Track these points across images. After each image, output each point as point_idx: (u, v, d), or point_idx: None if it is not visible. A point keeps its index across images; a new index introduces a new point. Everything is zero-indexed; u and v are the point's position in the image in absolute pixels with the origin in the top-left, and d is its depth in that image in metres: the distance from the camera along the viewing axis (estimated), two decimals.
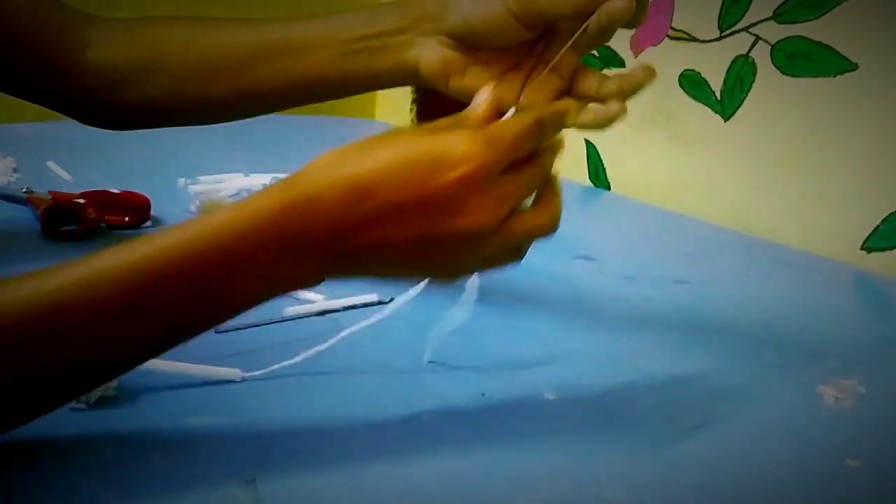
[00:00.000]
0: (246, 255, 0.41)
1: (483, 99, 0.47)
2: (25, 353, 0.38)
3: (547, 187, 0.47)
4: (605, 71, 0.57)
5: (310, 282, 0.44)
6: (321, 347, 0.52)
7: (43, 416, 0.41)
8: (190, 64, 0.63)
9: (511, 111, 0.47)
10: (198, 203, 0.79)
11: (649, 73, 0.55)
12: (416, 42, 0.57)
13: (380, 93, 1.49)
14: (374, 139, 0.43)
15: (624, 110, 0.55)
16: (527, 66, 0.56)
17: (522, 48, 0.56)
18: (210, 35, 0.63)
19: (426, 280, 0.47)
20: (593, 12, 0.51)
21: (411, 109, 1.42)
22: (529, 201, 0.46)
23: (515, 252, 0.46)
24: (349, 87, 0.61)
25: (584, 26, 0.51)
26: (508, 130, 0.44)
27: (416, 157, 0.42)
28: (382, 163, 0.42)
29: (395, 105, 1.46)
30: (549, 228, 0.46)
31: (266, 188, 0.42)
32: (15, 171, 0.88)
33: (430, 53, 0.57)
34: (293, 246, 0.42)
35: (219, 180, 0.91)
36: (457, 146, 0.42)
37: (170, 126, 0.71)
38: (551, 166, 0.47)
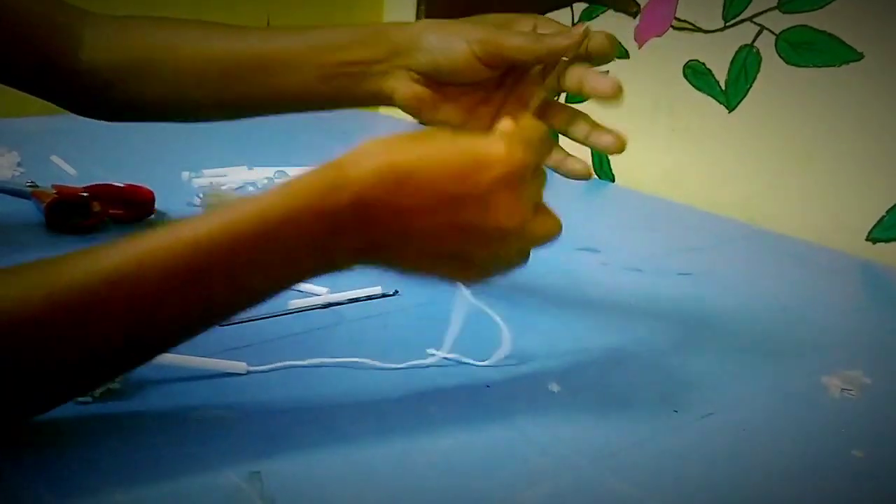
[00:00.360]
0: (289, 237, 0.42)
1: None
2: (80, 331, 0.40)
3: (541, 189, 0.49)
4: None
5: (342, 266, 0.45)
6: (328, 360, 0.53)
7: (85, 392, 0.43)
8: (177, 69, 0.64)
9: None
10: (202, 196, 0.79)
11: (619, 143, 0.59)
12: (391, 74, 0.59)
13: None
14: (419, 133, 0.45)
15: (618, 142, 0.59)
16: (496, 100, 0.59)
17: (491, 83, 0.59)
18: (197, 41, 0.64)
19: (447, 278, 0.48)
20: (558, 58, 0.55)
21: None
22: None
23: (525, 254, 0.48)
24: (328, 106, 0.64)
25: (554, 72, 0.55)
26: (539, 134, 0.47)
27: (458, 152, 0.44)
28: (425, 154, 0.44)
29: None
30: (558, 231, 0.49)
31: (311, 171, 0.44)
32: (19, 165, 0.89)
33: (403, 87, 0.59)
34: (333, 227, 0.43)
35: (222, 173, 0.92)
36: (497, 146, 0.44)
37: (167, 122, 0.72)
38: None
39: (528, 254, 0.49)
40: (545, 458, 0.46)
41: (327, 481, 0.42)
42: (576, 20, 1.13)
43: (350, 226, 0.43)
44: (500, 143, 0.44)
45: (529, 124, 0.47)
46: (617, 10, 1.09)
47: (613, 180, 1.12)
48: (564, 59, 0.55)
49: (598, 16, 1.11)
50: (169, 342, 0.43)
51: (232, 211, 0.42)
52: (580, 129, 0.58)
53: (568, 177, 0.58)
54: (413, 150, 0.44)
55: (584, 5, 1.12)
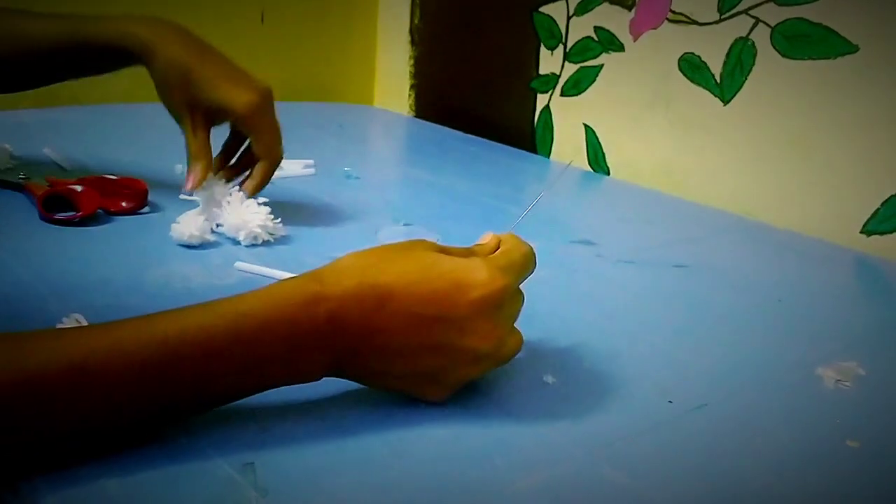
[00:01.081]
0: (262, 347, 0.43)
1: (488, 240, 0.52)
2: (39, 411, 0.39)
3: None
4: None
5: (317, 375, 0.46)
6: None
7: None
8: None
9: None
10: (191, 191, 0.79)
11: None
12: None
13: (378, 79, 1.49)
14: (399, 249, 0.47)
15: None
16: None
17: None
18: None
19: (413, 394, 0.49)
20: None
21: (409, 95, 1.42)
22: None
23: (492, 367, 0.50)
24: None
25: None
26: (516, 259, 0.49)
27: (439, 275, 0.46)
28: (406, 275, 0.45)
29: (393, 92, 1.46)
30: (520, 346, 0.50)
31: (291, 281, 0.45)
32: (12, 157, 0.88)
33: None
34: (310, 341, 0.44)
35: None
36: (478, 271, 0.46)
37: None
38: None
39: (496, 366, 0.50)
40: (540, 449, 0.46)
41: (321, 471, 0.42)
42: (571, 13, 1.13)
43: (325, 341, 0.44)
44: (481, 268, 0.46)
45: (512, 246, 0.50)
46: (612, 2, 1.08)
47: (609, 173, 1.12)
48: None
49: (593, 8, 1.11)
50: (132, 429, 0.42)
51: (206, 312, 0.42)
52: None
53: None
54: (394, 270, 0.45)
55: None
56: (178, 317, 0.42)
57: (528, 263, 0.50)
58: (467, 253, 0.50)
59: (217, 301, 0.43)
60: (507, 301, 0.47)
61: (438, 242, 0.49)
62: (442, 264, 0.46)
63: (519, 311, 0.50)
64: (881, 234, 0.87)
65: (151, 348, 0.40)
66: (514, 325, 0.49)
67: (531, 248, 0.51)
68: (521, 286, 0.50)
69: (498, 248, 0.51)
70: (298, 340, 0.43)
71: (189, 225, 0.70)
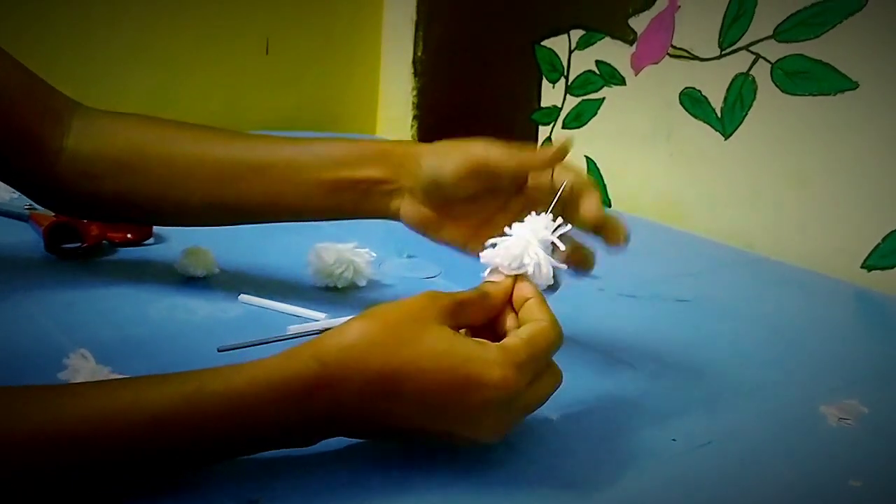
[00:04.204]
0: (258, 427, 0.42)
1: (501, 280, 0.49)
2: (24, 477, 0.38)
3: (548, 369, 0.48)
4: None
5: (314, 443, 0.45)
6: None
7: None
8: (170, 168, 0.63)
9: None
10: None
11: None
12: (396, 194, 0.60)
13: (381, 110, 1.50)
14: (410, 324, 0.44)
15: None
16: (498, 222, 0.56)
17: (492, 204, 0.59)
18: (197, 142, 0.63)
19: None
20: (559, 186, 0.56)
21: (412, 126, 1.43)
22: None
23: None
24: (325, 217, 0.64)
25: (557, 195, 0.54)
26: (537, 354, 0.45)
27: (451, 367, 0.43)
28: (416, 363, 0.43)
29: (395, 123, 1.46)
30: (550, 394, 0.48)
31: (291, 359, 0.42)
32: None
33: (408, 208, 0.60)
34: (309, 420, 0.43)
35: None
36: (492, 369, 0.43)
37: (133, 223, 0.72)
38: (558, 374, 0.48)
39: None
40: (544, 487, 0.46)
41: None
42: (573, 47, 1.14)
43: (324, 422, 0.43)
44: (496, 365, 0.43)
45: (538, 332, 0.46)
46: (614, 37, 1.10)
47: (610, 205, 1.12)
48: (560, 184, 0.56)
49: (595, 43, 1.12)
50: (118, 489, 0.42)
51: (198, 388, 0.41)
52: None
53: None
54: (403, 355, 0.42)
55: (581, 32, 1.13)
56: (168, 389, 0.41)
57: (553, 349, 0.47)
58: (481, 302, 0.48)
59: (209, 373, 0.42)
60: (518, 394, 0.44)
61: (445, 291, 0.47)
62: (455, 354, 0.43)
63: (546, 395, 0.47)
64: (882, 269, 0.87)
65: (139, 422, 0.40)
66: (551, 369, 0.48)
67: (559, 335, 0.47)
68: (556, 366, 0.48)
69: (512, 289, 0.49)
70: (296, 423, 0.43)
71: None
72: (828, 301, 0.81)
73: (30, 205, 0.81)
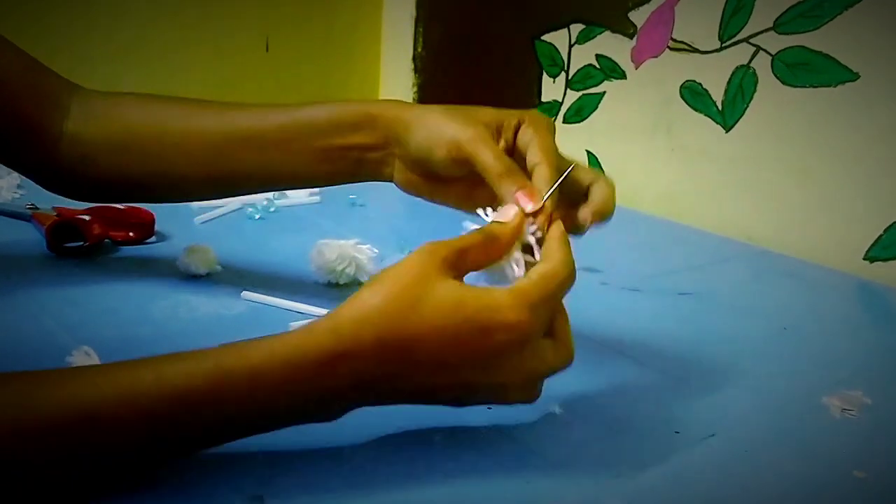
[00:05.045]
0: (278, 402, 0.42)
1: (511, 216, 0.49)
2: (47, 459, 0.39)
3: (558, 314, 0.48)
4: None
5: (335, 416, 0.45)
6: None
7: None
8: (165, 145, 0.63)
9: (533, 229, 0.49)
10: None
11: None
12: (387, 161, 0.60)
13: (383, 95, 1.49)
14: (418, 285, 0.43)
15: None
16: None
17: None
18: (188, 118, 0.64)
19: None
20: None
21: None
22: None
23: (530, 393, 0.48)
24: (324, 183, 0.64)
25: (560, 178, 0.52)
26: (548, 292, 0.46)
27: (464, 318, 0.43)
28: (429, 323, 0.43)
29: None
30: (566, 363, 0.48)
31: (306, 334, 0.43)
32: (19, 187, 0.89)
33: (399, 174, 0.59)
34: (327, 394, 0.43)
35: None
36: (503, 313, 0.43)
37: (135, 202, 0.72)
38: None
39: (538, 390, 0.48)
40: (547, 479, 0.46)
41: None
42: (573, 42, 1.14)
43: (343, 394, 0.43)
44: (509, 308, 0.43)
45: (551, 270, 0.46)
46: (614, 30, 1.09)
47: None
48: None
49: (595, 37, 1.12)
50: (143, 471, 0.42)
51: (218, 366, 0.41)
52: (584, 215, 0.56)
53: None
54: (416, 318, 0.43)
55: (581, 26, 1.13)
56: (188, 367, 0.41)
57: (566, 286, 0.47)
58: (485, 245, 0.47)
59: (227, 349, 0.42)
60: (534, 336, 0.45)
61: (450, 240, 0.46)
62: (466, 306, 0.43)
63: (560, 323, 0.48)
64: (884, 260, 0.87)
65: (161, 401, 0.40)
66: (563, 333, 0.48)
67: (571, 270, 0.47)
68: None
69: (520, 227, 0.48)
70: (316, 397, 0.43)
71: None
72: (830, 293, 0.81)
73: (32, 204, 0.81)
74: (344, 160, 0.60)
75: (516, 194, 0.50)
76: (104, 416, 0.39)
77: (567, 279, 0.47)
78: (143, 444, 0.41)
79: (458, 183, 0.58)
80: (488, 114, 0.56)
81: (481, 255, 0.47)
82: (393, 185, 0.61)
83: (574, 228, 0.55)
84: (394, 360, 0.43)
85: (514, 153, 0.55)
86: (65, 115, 0.64)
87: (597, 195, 0.56)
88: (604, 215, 0.56)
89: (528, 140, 0.54)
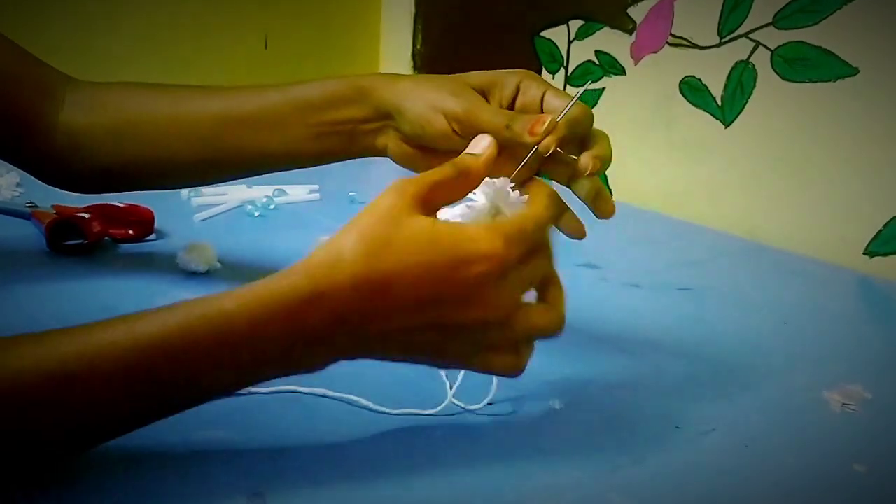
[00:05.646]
0: (253, 349, 0.42)
1: (484, 147, 0.48)
2: (25, 418, 0.39)
3: (551, 283, 0.48)
4: None
5: (318, 367, 0.44)
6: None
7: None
8: (157, 130, 0.63)
9: (506, 182, 0.48)
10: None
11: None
12: (381, 132, 0.59)
13: None
14: (390, 223, 0.43)
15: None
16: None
17: None
18: (179, 102, 0.63)
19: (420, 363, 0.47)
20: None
21: None
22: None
23: (515, 353, 0.47)
24: (318, 162, 0.63)
25: (566, 109, 0.52)
26: (524, 226, 0.45)
27: (439, 253, 0.43)
28: (404, 259, 0.42)
29: None
30: (556, 327, 0.47)
31: (280, 280, 0.42)
32: (18, 185, 0.89)
33: (394, 146, 0.59)
34: (306, 338, 0.42)
35: (222, 192, 0.92)
36: (478, 244, 0.43)
37: (133, 190, 0.71)
38: (552, 258, 0.48)
39: (522, 355, 0.47)
40: (547, 474, 0.46)
41: (331, 502, 0.42)
42: (572, 38, 1.14)
43: (322, 337, 0.43)
44: (482, 239, 0.43)
45: (517, 218, 0.46)
46: (613, 26, 1.09)
47: (611, 195, 1.12)
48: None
49: (594, 33, 1.12)
50: (123, 431, 0.42)
51: (190, 313, 0.41)
52: (559, 173, 0.56)
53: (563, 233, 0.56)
54: (390, 256, 0.42)
55: (580, 22, 1.13)
56: (161, 318, 0.41)
57: (541, 227, 0.47)
58: (457, 179, 0.46)
59: (199, 300, 0.42)
60: (512, 270, 0.44)
61: (419, 177, 0.46)
62: (440, 240, 0.43)
63: (541, 273, 0.47)
64: (884, 255, 0.87)
65: (135, 352, 0.40)
66: (554, 301, 0.48)
67: (547, 208, 0.47)
68: (547, 239, 0.47)
69: (493, 154, 0.48)
70: (292, 342, 0.42)
71: None
72: (830, 288, 0.81)
73: (31, 202, 0.81)
74: (337, 135, 0.60)
75: (475, 141, 0.49)
76: (80, 371, 0.39)
77: (544, 213, 0.47)
78: (122, 399, 0.40)
79: (452, 155, 0.56)
80: (478, 77, 0.57)
81: (453, 189, 0.47)
82: (391, 178, 0.60)
83: (575, 175, 0.54)
84: (369, 299, 0.42)
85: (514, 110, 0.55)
86: (59, 106, 0.64)
87: (595, 142, 0.55)
88: (605, 160, 0.55)
89: (534, 95, 0.54)
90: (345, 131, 0.59)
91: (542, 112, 0.54)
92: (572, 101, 0.52)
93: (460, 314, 0.44)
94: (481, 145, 0.49)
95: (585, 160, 0.53)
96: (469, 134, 0.53)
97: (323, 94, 0.60)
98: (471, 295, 0.43)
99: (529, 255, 0.45)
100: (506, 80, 0.56)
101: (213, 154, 0.62)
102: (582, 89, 0.54)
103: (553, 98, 0.54)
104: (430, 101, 0.55)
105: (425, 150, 0.58)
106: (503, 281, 0.44)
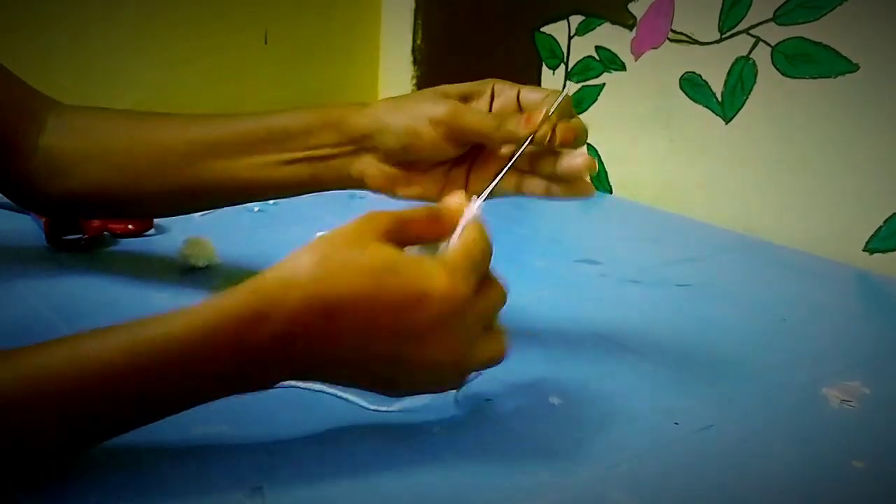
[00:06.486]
0: (197, 369, 0.41)
1: (457, 202, 0.48)
2: None
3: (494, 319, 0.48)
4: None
5: (266, 385, 0.44)
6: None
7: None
8: (130, 157, 0.63)
9: (478, 202, 0.48)
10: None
11: (590, 161, 0.55)
12: (357, 158, 0.59)
13: (382, 87, 1.49)
14: (350, 247, 0.43)
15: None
16: (466, 164, 0.58)
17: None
18: (155, 129, 0.63)
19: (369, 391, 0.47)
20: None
21: None
22: None
23: (461, 377, 0.47)
24: (293, 191, 0.62)
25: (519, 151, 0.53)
26: (473, 261, 0.45)
27: (397, 286, 0.42)
28: (359, 285, 0.42)
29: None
30: (500, 359, 0.47)
31: (229, 296, 0.41)
32: None
33: (372, 170, 0.58)
34: (254, 357, 0.42)
35: None
36: (437, 279, 0.42)
37: (105, 217, 0.71)
38: (503, 286, 0.47)
39: (466, 376, 0.47)
40: (546, 471, 0.46)
41: (329, 497, 0.42)
42: (572, 34, 1.14)
43: (270, 359, 0.42)
44: (441, 275, 0.43)
45: (472, 240, 0.46)
46: (613, 22, 1.09)
47: (611, 191, 1.12)
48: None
49: (594, 28, 1.11)
50: (66, 454, 0.41)
51: (136, 335, 0.40)
52: (547, 164, 0.56)
53: (569, 192, 0.56)
54: (345, 279, 0.42)
55: (580, 18, 1.13)
56: (104, 341, 0.40)
57: (488, 258, 0.46)
58: (429, 222, 0.46)
59: (148, 320, 0.41)
60: (468, 309, 0.44)
61: (394, 210, 0.46)
62: (398, 271, 0.42)
63: (496, 308, 0.47)
64: (884, 251, 0.87)
65: (74, 378, 0.39)
66: (498, 325, 0.47)
67: (489, 243, 0.46)
68: (499, 280, 0.47)
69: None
70: (239, 361, 0.41)
71: None
72: (829, 284, 0.81)
73: None
74: (309, 161, 0.59)
75: (451, 196, 0.49)
76: (17, 394, 0.38)
77: (488, 247, 0.46)
78: (62, 423, 0.39)
79: (434, 170, 0.58)
80: (454, 88, 0.57)
81: (423, 230, 0.47)
82: (353, 188, 0.60)
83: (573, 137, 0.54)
84: (321, 322, 0.41)
85: None
86: (41, 129, 0.64)
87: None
88: (580, 129, 0.54)
89: (509, 94, 0.56)
90: (317, 157, 0.59)
91: (520, 109, 0.56)
92: (562, 94, 0.53)
93: (416, 352, 0.43)
94: (454, 201, 0.48)
95: (564, 131, 0.53)
96: (457, 138, 0.54)
97: (295, 121, 0.60)
98: (428, 334, 0.43)
99: (482, 286, 0.45)
100: (480, 87, 0.57)
101: (184, 182, 0.62)
102: (566, 87, 0.55)
103: (529, 93, 0.56)
104: (413, 112, 0.56)
105: (408, 168, 0.58)
106: (461, 322, 0.44)
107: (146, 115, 0.65)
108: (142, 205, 0.66)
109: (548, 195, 0.57)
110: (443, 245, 0.47)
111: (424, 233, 0.47)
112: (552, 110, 0.52)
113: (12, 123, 0.63)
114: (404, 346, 0.43)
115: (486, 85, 0.57)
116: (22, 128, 0.63)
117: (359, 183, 0.60)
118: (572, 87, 0.55)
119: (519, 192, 0.57)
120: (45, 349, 0.40)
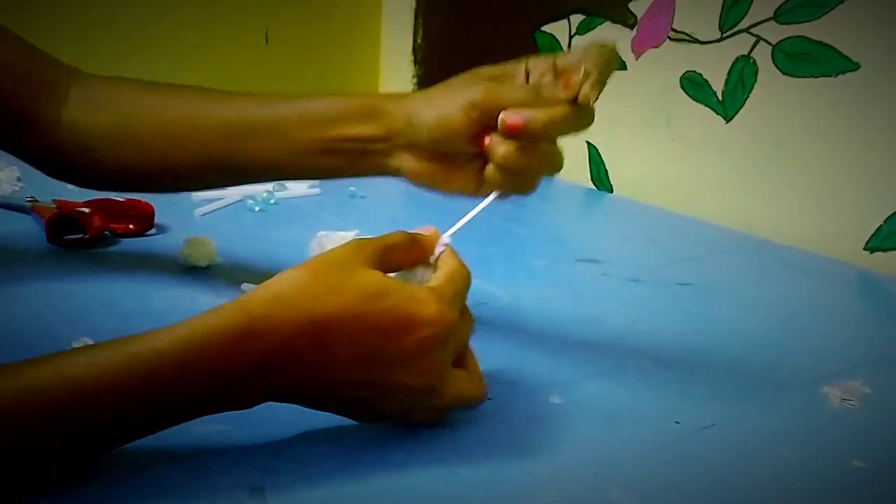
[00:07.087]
0: (183, 387, 0.41)
1: (432, 230, 0.50)
2: None
3: (466, 349, 0.49)
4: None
5: (249, 404, 0.43)
6: None
7: None
8: (163, 135, 0.62)
9: (450, 231, 0.50)
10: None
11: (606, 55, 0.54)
12: (393, 152, 0.58)
13: (383, 87, 1.49)
14: (339, 270, 0.43)
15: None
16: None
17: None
18: (184, 106, 0.62)
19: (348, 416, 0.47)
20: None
21: None
22: None
23: (439, 414, 0.48)
24: (323, 176, 0.62)
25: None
26: (457, 290, 0.46)
27: (384, 308, 0.43)
28: (347, 307, 0.42)
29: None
30: (479, 401, 0.48)
31: (215, 313, 0.41)
32: (19, 180, 0.89)
33: (409, 164, 0.57)
34: (237, 381, 0.41)
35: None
36: (426, 306, 0.43)
37: (135, 191, 0.70)
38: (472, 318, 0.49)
39: (444, 413, 0.48)
40: (548, 470, 0.46)
41: (330, 496, 0.42)
42: (573, 32, 1.14)
43: (252, 380, 0.42)
44: (430, 302, 0.43)
45: (454, 270, 0.47)
46: (614, 21, 1.09)
47: (612, 190, 1.12)
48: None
49: (595, 27, 1.11)
50: (50, 468, 0.41)
51: (121, 352, 0.40)
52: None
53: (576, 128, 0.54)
54: (333, 301, 0.42)
55: (581, 17, 1.13)
56: (90, 357, 0.40)
57: (468, 286, 0.48)
58: (409, 248, 0.48)
59: (137, 337, 0.41)
60: (451, 335, 0.45)
61: (378, 237, 0.47)
62: (387, 296, 0.43)
63: (468, 335, 0.48)
64: (884, 250, 0.87)
65: (59, 393, 0.39)
66: (474, 364, 0.48)
67: (469, 273, 0.48)
68: (469, 308, 0.48)
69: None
70: (223, 380, 0.41)
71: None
72: (830, 283, 0.81)
73: (31, 197, 0.81)
74: (346, 153, 0.58)
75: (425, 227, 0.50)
76: (3, 409, 0.38)
77: (469, 277, 0.48)
78: (48, 438, 0.39)
79: (471, 164, 0.56)
80: (487, 70, 0.57)
81: (404, 255, 0.48)
82: (392, 177, 0.60)
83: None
84: (308, 343, 0.41)
85: None
86: (63, 101, 0.63)
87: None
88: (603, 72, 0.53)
89: (544, 67, 0.55)
90: (353, 149, 0.58)
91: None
92: (599, 51, 0.52)
93: (401, 377, 0.44)
94: (429, 230, 0.50)
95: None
96: (492, 118, 0.52)
97: (333, 109, 0.58)
98: (414, 359, 0.44)
99: (461, 314, 0.47)
100: (514, 66, 0.56)
101: (215, 161, 0.61)
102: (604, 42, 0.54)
103: (564, 57, 0.54)
104: (446, 102, 0.55)
105: (444, 162, 0.56)
106: (443, 346, 0.44)
107: (172, 88, 0.64)
108: (171, 181, 0.65)
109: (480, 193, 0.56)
110: (419, 270, 0.49)
111: (405, 259, 0.48)
112: (590, 69, 0.51)
113: (31, 93, 0.62)
114: (391, 371, 0.43)
115: (520, 63, 0.56)
116: (42, 99, 0.62)
117: (398, 175, 0.59)
118: (610, 40, 0.53)
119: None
120: (32, 365, 0.40)
